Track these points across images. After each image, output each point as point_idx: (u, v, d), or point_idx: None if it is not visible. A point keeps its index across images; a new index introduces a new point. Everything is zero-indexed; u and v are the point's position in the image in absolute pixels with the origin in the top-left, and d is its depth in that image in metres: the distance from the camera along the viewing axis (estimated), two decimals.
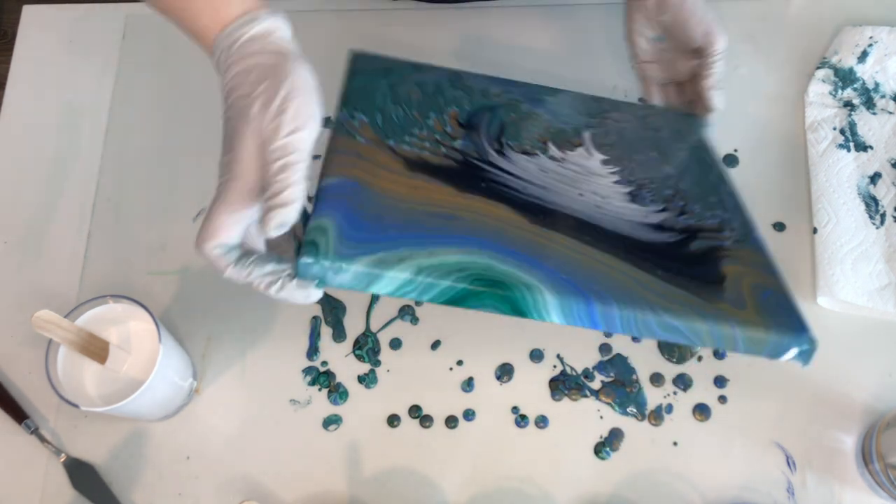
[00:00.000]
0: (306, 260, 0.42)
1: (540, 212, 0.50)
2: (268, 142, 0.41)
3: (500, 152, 0.56)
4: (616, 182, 0.56)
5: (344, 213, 0.45)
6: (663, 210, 0.54)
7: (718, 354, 0.61)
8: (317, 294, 0.43)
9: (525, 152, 0.56)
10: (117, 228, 0.68)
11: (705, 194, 0.56)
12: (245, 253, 0.43)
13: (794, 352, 0.46)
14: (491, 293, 0.43)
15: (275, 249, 0.46)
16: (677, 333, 0.45)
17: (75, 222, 0.68)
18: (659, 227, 0.53)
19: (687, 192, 0.56)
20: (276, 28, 0.44)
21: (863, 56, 0.68)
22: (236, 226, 0.42)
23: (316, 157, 0.44)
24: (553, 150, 0.57)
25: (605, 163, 0.57)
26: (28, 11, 0.78)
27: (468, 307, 0.43)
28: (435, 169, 0.52)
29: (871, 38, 0.68)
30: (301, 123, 0.41)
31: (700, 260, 0.51)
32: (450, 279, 0.43)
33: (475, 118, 0.58)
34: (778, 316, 0.47)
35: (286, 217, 0.40)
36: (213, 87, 0.73)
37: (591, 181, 0.55)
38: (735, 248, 0.52)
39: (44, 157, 0.71)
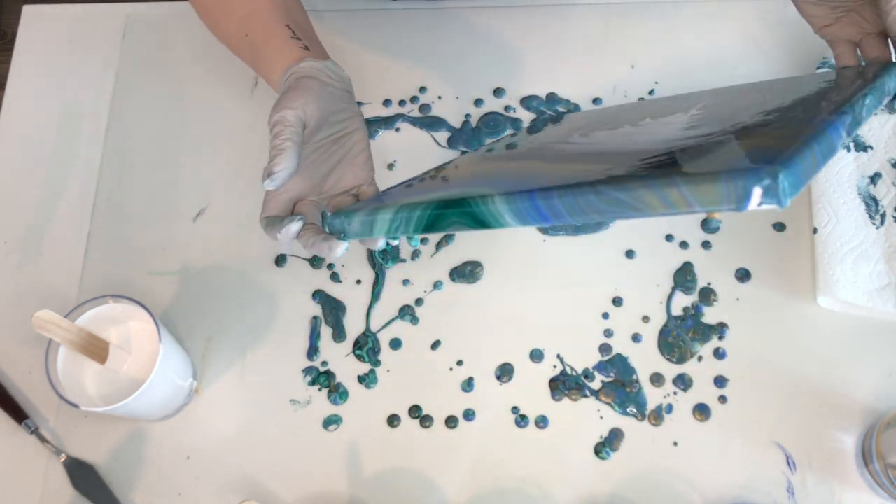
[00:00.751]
0: (330, 216, 0.51)
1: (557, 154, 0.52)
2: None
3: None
4: (683, 125, 0.49)
5: (385, 192, 0.53)
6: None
7: (718, 354, 0.61)
8: (340, 247, 0.49)
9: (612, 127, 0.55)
10: (117, 228, 0.68)
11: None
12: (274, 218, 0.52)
13: (758, 193, 0.36)
14: (453, 210, 0.44)
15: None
16: (624, 206, 0.40)
17: (75, 222, 0.68)
18: (690, 136, 0.46)
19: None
20: (303, 68, 0.54)
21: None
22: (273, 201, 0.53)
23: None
24: (646, 119, 0.54)
25: (693, 117, 0.50)
26: (28, 11, 0.78)
27: (442, 230, 0.45)
28: (511, 153, 0.57)
29: None
30: (281, 107, 0.50)
31: (702, 147, 0.43)
32: (420, 209, 0.46)
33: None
34: (741, 162, 0.38)
35: (272, 168, 0.48)
36: (212, 87, 0.74)
37: (651, 126, 0.50)
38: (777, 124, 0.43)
39: (44, 157, 0.71)
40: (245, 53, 0.59)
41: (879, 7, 0.52)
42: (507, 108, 0.71)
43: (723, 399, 0.60)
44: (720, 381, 0.61)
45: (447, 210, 0.44)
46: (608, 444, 0.59)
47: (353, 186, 0.55)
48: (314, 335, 0.64)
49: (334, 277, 0.66)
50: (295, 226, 0.49)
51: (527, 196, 0.42)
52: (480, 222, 0.43)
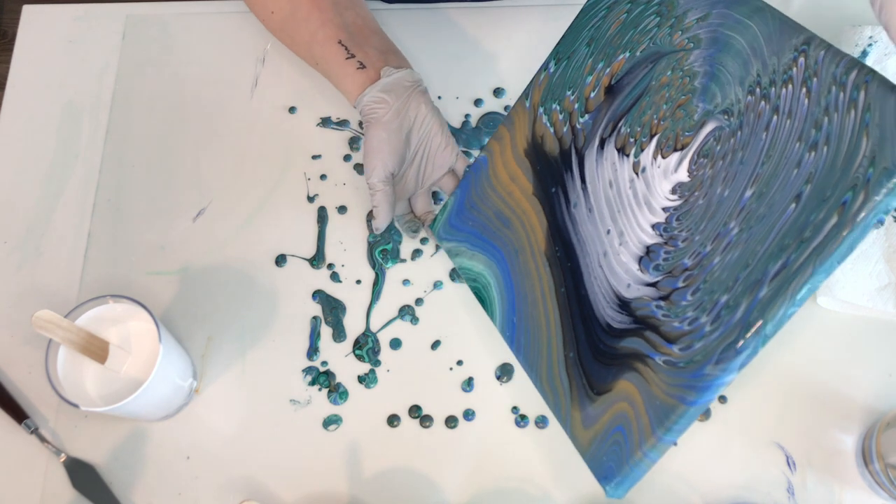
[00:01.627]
0: (431, 227, 0.66)
1: (559, 242, 0.57)
2: None
3: (603, 143, 0.56)
4: (654, 226, 0.52)
5: (462, 195, 0.63)
6: (650, 285, 0.51)
7: None
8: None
9: (622, 148, 0.55)
10: (117, 228, 0.68)
11: (727, 286, 0.47)
12: (406, 216, 0.68)
13: (606, 491, 0.51)
14: (479, 298, 0.61)
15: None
16: (544, 399, 0.56)
17: (75, 222, 0.68)
18: (623, 306, 0.52)
19: (707, 271, 0.48)
20: (368, 104, 0.62)
21: (862, 56, 0.68)
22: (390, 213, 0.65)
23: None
24: (648, 151, 0.53)
25: (676, 189, 0.52)
26: (28, 11, 0.78)
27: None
28: (539, 155, 0.60)
29: (870, 37, 0.68)
30: (368, 174, 0.62)
31: (612, 360, 0.52)
32: (469, 282, 0.62)
33: (629, 76, 0.56)
34: (602, 455, 0.51)
35: (376, 225, 0.64)
36: (212, 87, 0.74)
37: (633, 216, 0.53)
38: (658, 368, 0.49)
39: (44, 157, 0.71)
40: (326, 78, 0.66)
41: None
42: (506, 108, 0.71)
43: (723, 399, 0.60)
44: None
45: (476, 295, 0.61)
46: None
47: (447, 169, 0.66)
48: (314, 335, 0.64)
49: (334, 277, 0.66)
50: (415, 234, 0.67)
51: (509, 340, 0.58)
52: (484, 308, 0.61)
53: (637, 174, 0.54)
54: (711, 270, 0.48)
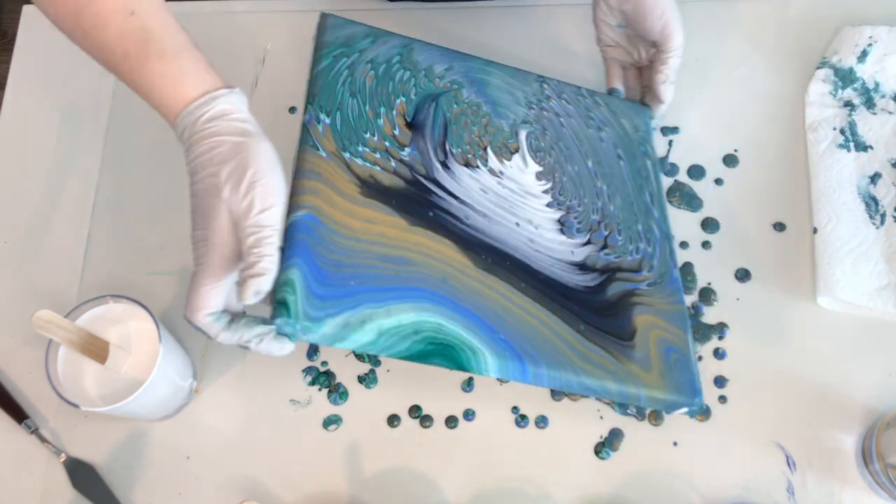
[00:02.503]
0: (280, 321, 0.47)
1: (481, 250, 0.56)
2: (241, 219, 0.45)
3: (445, 164, 0.58)
4: (548, 205, 0.60)
5: (308, 261, 0.49)
6: (587, 243, 0.59)
7: (718, 354, 0.61)
8: (290, 347, 0.48)
9: (468, 164, 0.59)
10: (117, 228, 0.68)
11: (634, 218, 0.62)
12: (233, 317, 0.48)
13: (684, 409, 0.56)
14: (441, 355, 0.50)
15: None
16: (592, 391, 0.54)
17: (75, 222, 0.68)
18: (582, 267, 0.58)
19: (614, 216, 0.61)
20: (234, 107, 0.48)
21: (862, 56, 0.68)
22: (221, 293, 0.46)
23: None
24: (492, 159, 0.60)
25: (539, 176, 0.61)
26: (28, 11, 0.78)
27: (421, 363, 0.51)
28: (385, 192, 0.55)
29: (870, 37, 0.68)
30: (270, 202, 0.45)
31: (614, 308, 0.57)
32: (407, 342, 0.50)
33: (420, 113, 0.60)
34: (677, 379, 0.56)
35: (261, 286, 0.45)
36: None
37: (526, 205, 0.59)
38: (648, 292, 0.59)
39: (44, 157, 0.71)
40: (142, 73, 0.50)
41: (657, 59, 0.63)
42: None
43: (723, 399, 0.60)
44: (720, 381, 0.61)
45: (435, 352, 0.50)
46: (608, 444, 0.59)
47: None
48: None
49: None
50: (268, 334, 0.47)
51: (518, 363, 0.52)
52: (463, 369, 0.51)
53: (498, 177, 0.60)
54: (616, 216, 0.61)
